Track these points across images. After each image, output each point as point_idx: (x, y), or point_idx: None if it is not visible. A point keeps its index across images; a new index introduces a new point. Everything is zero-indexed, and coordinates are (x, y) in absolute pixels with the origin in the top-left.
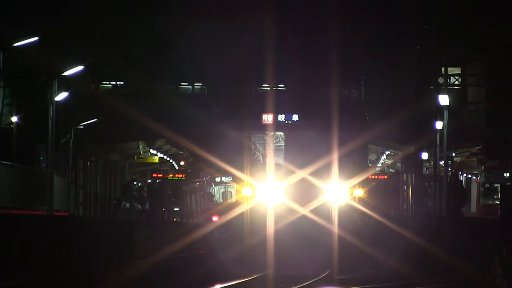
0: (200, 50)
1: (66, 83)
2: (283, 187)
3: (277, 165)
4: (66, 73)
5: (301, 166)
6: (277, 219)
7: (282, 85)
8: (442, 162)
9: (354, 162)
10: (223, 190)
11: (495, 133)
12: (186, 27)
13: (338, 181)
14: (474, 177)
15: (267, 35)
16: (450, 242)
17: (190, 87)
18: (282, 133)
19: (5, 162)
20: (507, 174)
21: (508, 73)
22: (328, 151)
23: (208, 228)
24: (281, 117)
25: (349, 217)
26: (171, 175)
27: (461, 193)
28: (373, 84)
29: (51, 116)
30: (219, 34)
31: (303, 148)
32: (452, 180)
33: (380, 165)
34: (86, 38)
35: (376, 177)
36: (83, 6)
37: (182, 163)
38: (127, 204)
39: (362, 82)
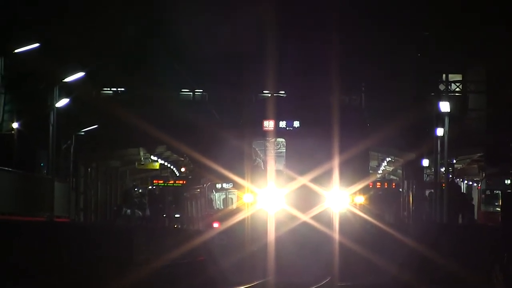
0: (201, 57)
1: (67, 89)
2: (284, 194)
3: (278, 171)
4: (67, 79)
5: (302, 172)
6: (277, 226)
7: (283, 92)
8: (443, 169)
9: (355, 169)
10: (224, 196)
11: (496, 140)
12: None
13: (339, 187)
14: (475, 184)
15: (268, 41)
16: (450, 249)
17: (191, 93)
18: (283, 140)
19: (5, 168)
20: (508, 181)
21: (509, 80)
22: (329, 157)
23: (208, 235)
24: (282, 124)
25: (349, 224)
26: (172, 182)
27: (462, 199)
28: (374, 90)
29: (52, 122)
30: (220, 39)
31: (304, 155)
32: (452, 187)
33: (381, 171)
34: (87, 44)
35: (378, 184)
36: (84, 12)
37: (183, 169)
38: (128, 211)
39: (363, 89)
